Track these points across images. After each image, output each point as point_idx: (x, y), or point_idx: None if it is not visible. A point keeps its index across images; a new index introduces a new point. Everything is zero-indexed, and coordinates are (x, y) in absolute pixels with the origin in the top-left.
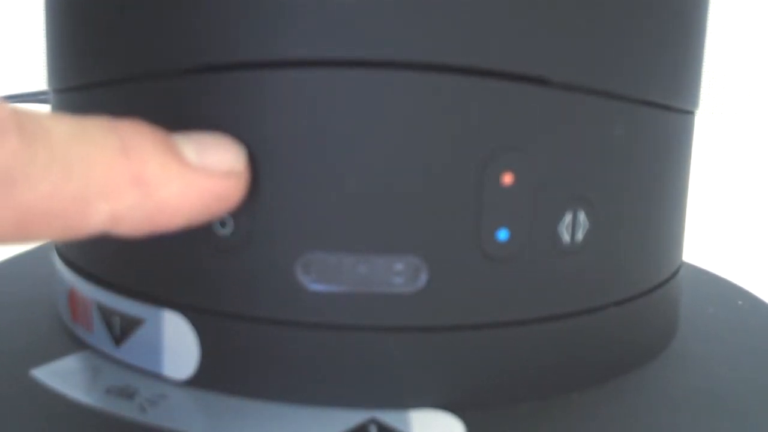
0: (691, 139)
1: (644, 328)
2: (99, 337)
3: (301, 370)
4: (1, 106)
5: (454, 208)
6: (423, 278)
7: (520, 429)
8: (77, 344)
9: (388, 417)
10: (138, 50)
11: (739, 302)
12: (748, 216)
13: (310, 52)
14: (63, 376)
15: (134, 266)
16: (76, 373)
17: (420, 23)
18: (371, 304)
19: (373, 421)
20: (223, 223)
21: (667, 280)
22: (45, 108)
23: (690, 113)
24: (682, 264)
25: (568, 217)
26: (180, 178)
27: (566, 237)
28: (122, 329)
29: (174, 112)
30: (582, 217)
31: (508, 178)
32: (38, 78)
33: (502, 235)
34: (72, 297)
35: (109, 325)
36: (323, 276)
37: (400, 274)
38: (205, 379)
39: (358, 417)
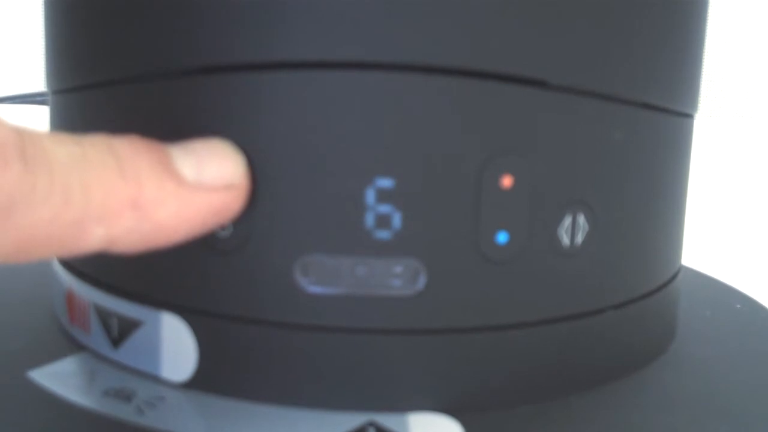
0: (690, 142)
1: (643, 331)
2: (96, 338)
3: (299, 372)
4: (6, 132)
5: (453, 211)
6: (422, 281)
7: None
8: (74, 346)
9: (386, 420)
10: (136, 51)
11: (738, 306)
12: (747, 219)
13: (309, 54)
14: (60, 378)
15: (132, 268)
16: (74, 375)
17: (419, 26)
18: (370, 307)
19: (372, 423)
20: (221, 225)
21: (665, 284)
22: (43, 109)
23: (689, 116)
24: (681, 267)
25: (567, 220)
26: (177, 198)
27: (565, 240)
28: (120, 331)
29: (172, 114)
30: (581, 220)
31: (507, 181)
32: (37, 79)
33: (501, 237)
34: (69, 298)
35: (106, 327)
36: (322, 278)
37: (398, 277)
38: (203, 381)
39: (356, 420)
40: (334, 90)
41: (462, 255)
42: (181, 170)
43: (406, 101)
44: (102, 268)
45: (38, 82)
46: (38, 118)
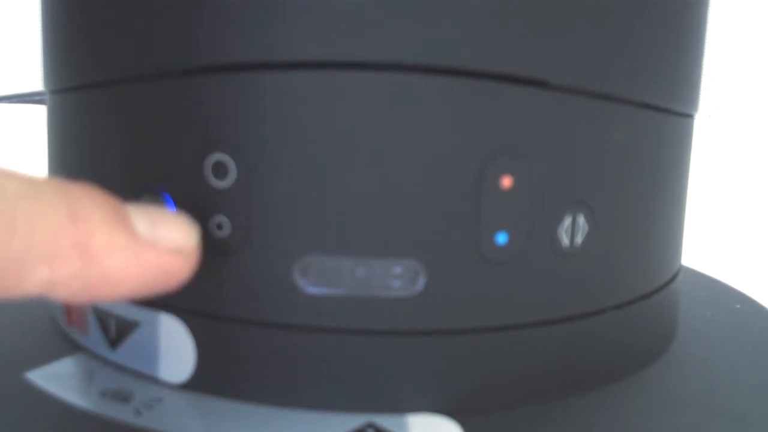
0: (690, 142)
1: (643, 331)
2: (94, 340)
3: (298, 373)
4: None
5: (452, 211)
6: (421, 281)
7: None
8: (72, 347)
9: (386, 421)
10: (134, 51)
11: (738, 306)
12: (747, 219)
13: (309, 54)
14: (58, 379)
15: None
16: (71, 376)
17: (419, 26)
18: (369, 308)
19: (371, 425)
20: (220, 226)
21: (665, 284)
22: (41, 108)
23: (689, 116)
24: (681, 268)
25: (567, 221)
26: (126, 250)
27: (565, 240)
28: (118, 332)
29: (171, 114)
30: (581, 220)
31: (507, 181)
32: (35, 78)
33: (501, 238)
34: None
35: (104, 328)
36: (321, 279)
37: (398, 278)
38: (201, 382)
39: (356, 421)
40: (334, 90)
41: (461, 256)
42: (134, 225)
43: (407, 101)
44: None
45: (36, 82)
46: (35, 118)
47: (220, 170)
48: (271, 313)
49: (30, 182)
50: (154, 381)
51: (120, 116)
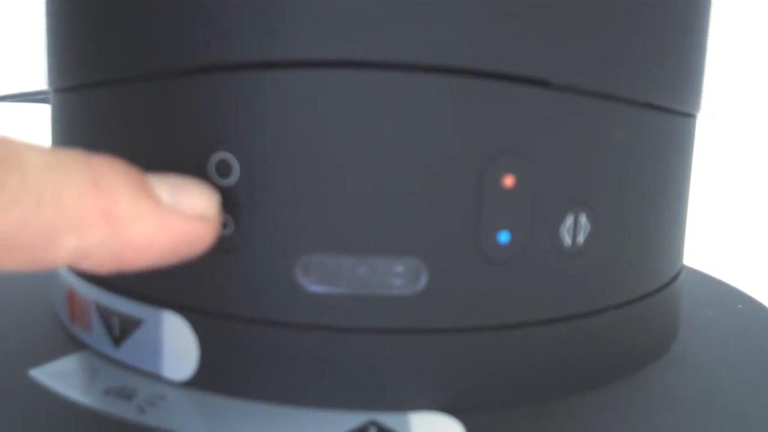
0: (692, 142)
1: (644, 331)
2: (98, 337)
3: (300, 371)
4: None
5: (454, 210)
6: (423, 280)
7: None
8: (76, 345)
9: (387, 419)
10: (138, 50)
11: (739, 306)
12: (748, 219)
13: (311, 53)
14: (61, 377)
15: None
16: (75, 373)
17: (421, 25)
18: (371, 306)
19: (373, 423)
20: (223, 224)
21: (667, 284)
22: (45, 108)
23: (691, 116)
24: (683, 267)
25: (569, 220)
26: (151, 216)
27: (567, 240)
28: (121, 330)
29: (174, 113)
30: (583, 219)
31: (509, 181)
32: (38, 77)
33: (503, 237)
34: (71, 297)
35: (107, 326)
36: (323, 278)
37: (400, 276)
38: (204, 380)
39: (357, 419)
40: (335, 89)
41: (463, 255)
42: (157, 193)
43: (408, 100)
44: None
45: (40, 81)
46: (39, 117)
47: (223, 169)
48: (274, 311)
49: (53, 154)
50: (157, 379)
51: (123, 115)
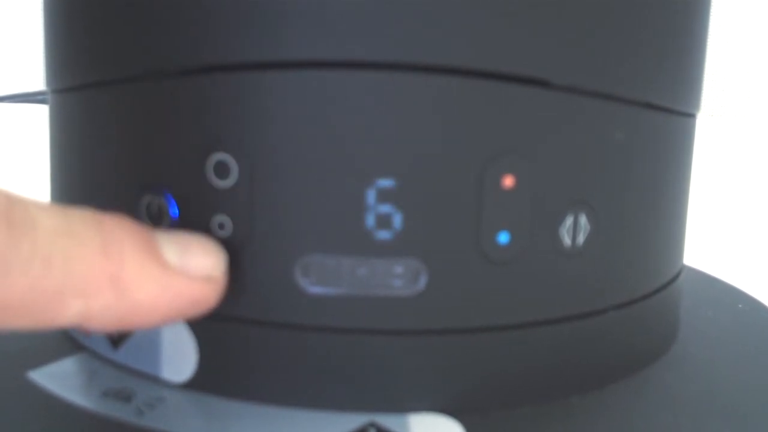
0: (692, 142)
1: (645, 331)
2: (96, 339)
3: (300, 373)
4: None
5: (454, 211)
6: (422, 281)
7: None
8: (74, 346)
9: (387, 420)
10: (136, 51)
11: (740, 305)
12: (749, 219)
13: (310, 53)
14: (60, 379)
15: None
16: (73, 375)
17: (421, 25)
18: (371, 307)
19: (373, 424)
20: (222, 225)
21: (667, 284)
22: (43, 108)
23: (691, 116)
24: (683, 267)
25: (569, 220)
26: (157, 280)
27: (567, 240)
28: (120, 332)
29: (172, 114)
30: (583, 220)
31: (509, 181)
32: (37, 78)
33: (503, 238)
34: None
35: None
36: (322, 278)
37: (399, 277)
38: (203, 382)
39: (357, 420)
40: (335, 89)
41: (463, 255)
42: (165, 254)
43: (408, 101)
44: None
45: (38, 81)
46: (38, 117)
47: (221, 170)
48: (273, 312)
49: (64, 216)
50: (156, 380)
51: (122, 116)
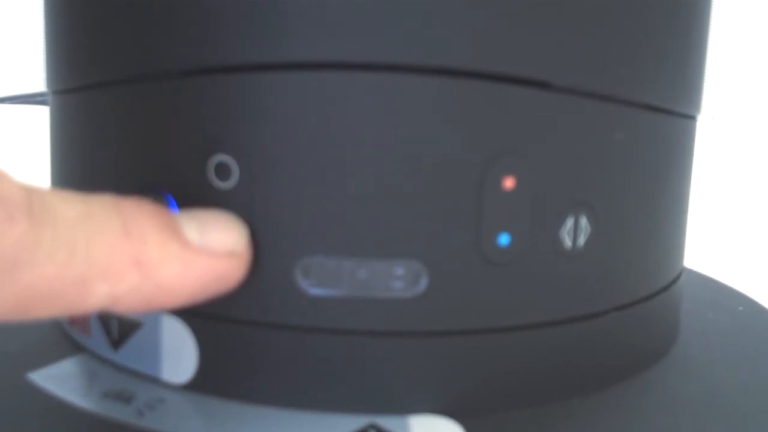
0: (693, 144)
1: (645, 333)
2: (97, 340)
3: (300, 374)
4: (14, 188)
5: (454, 212)
6: (423, 283)
7: None
8: (75, 348)
9: (387, 422)
10: (136, 52)
11: (740, 308)
12: (749, 221)
13: (309, 55)
14: (60, 380)
15: None
16: (74, 376)
17: (421, 26)
18: (371, 309)
19: (373, 426)
20: None
21: (668, 286)
22: (44, 109)
23: (692, 118)
24: (683, 269)
25: (569, 222)
26: (180, 259)
27: (568, 242)
28: (120, 333)
29: (173, 115)
30: (584, 221)
31: (509, 182)
32: (38, 79)
33: (503, 239)
34: None
35: (106, 329)
36: (323, 280)
37: (400, 279)
38: (203, 383)
39: (357, 422)
40: (335, 91)
41: (463, 257)
42: (186, 233)
43: (409, 102)
44: None
45: (39, 82)
46: (38, 118)
47: (222, 171)
48: (273, 313)
49: (83, 203)
50: (157, 382)
51: (122, 117)
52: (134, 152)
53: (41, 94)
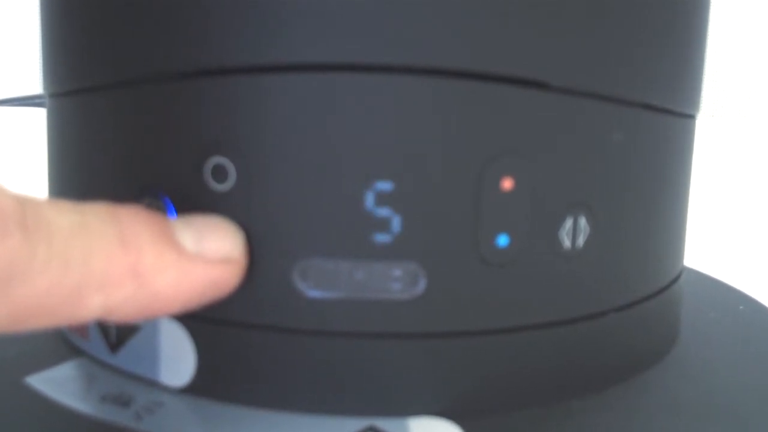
0: (692, 143)
1: (645, 333)
2: (95, 344)
3: (298, 377)
4: (6, 200)
5: (453, 214)
6: (421, 284)
7: None
8: (73, 351)
9: (386, 424)
10: (134, 55)
11: (741, 307)
12: (749, 220)
13: (306, 57)
14: (58, 384)
15: None
16: (72, 380)
17: (420, 28)
18: (369, 311)
19: (372, 428)
20: None
21: (668, 285)
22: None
23: (691, 117)
24: (684, 269)
25: (568, 223)
26: (175, 267)
27: (567, 242)
28: (118, 336)
29: (170, 117)
30: (583, 222)
31: (507, 183)
32: (35, 81)
33: (502, 240)
34: None
35: (104, 333)
36: (321, 282)
37: (398, 280)
38: (201, 386)
39: (356, 425)
40: (333, 92)
41: (462, 258)
42: (181, 241)
43: (406, 103)
44: None
45: (36, 85)
46: (35, 121)
47: (219, 174)
48: (271, 316)
49: (78, 213)
50: (155, 385)
51: (119, 120)
52: (131, 154)
53: (39, 97)
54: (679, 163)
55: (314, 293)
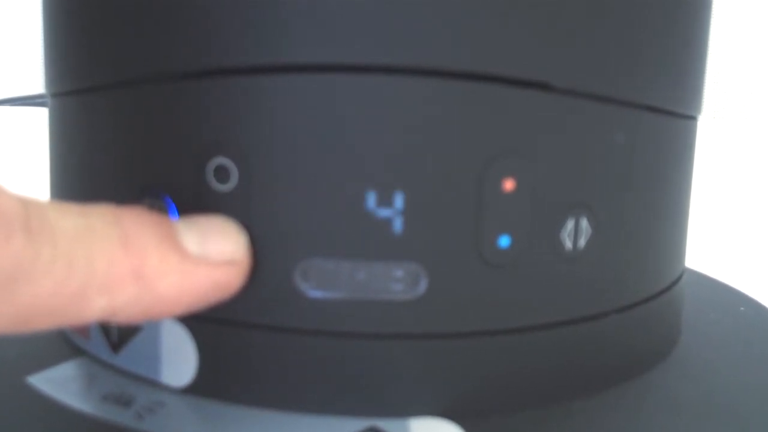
0: (693, 144)
1: (647, 334)
2: (96, 344)
3: (300, 377)
4: (11, 202)
5: (454, 214)
6: (423, 285)
7: None
8: (74, 351)
9: (388, 425)
10: (136, 55)
11: (742, 308)
12: (751, 221)
13: (308, 57)
14: (59, 383)
15: None
16: (73, 380)
17: (421, 29)
18: (371, 311)
19: (373, 429)
20: None
21: (669, 287)
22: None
23: (693, 119)
24: (685, 270)
25: (570, 224)
26: (179, 270)
27: (568, 244)
28: (120, 336)
29: (172, 118)
30: (584, 223)
31: (509, 184)
32: (37, 81)
33: (503, 241)
34: None
35: (106, 332)
36: (322, 283)
37: (399, 281)
38: (203, 386)
39: (357, 425)
40: (334, 93)
41: (463, 259)
42: (184, 244)
43: (407, 104)
44: None
45: (38, 84)
46: (37, 120)
47: (221, 174)
48: (273, 316)
49: (82, 216)
50: (156, 385)
51: (121, 120)
52: (133, 155)
53: (40, 96)
54: (681, 165)
55: (315, 293)
